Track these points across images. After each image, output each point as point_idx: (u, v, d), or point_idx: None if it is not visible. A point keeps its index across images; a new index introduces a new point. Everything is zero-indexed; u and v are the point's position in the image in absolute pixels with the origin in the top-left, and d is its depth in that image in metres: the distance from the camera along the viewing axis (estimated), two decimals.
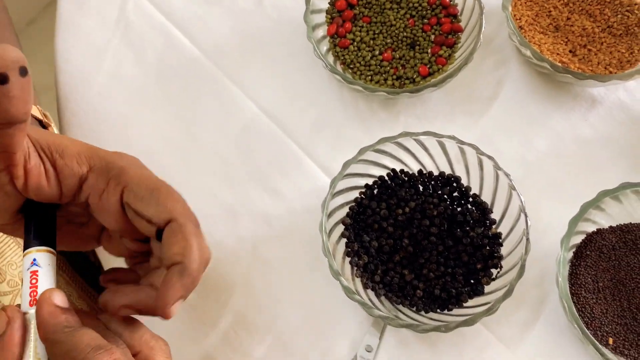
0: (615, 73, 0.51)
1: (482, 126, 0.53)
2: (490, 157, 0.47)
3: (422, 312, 0.46)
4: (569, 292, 0.45)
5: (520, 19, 0.54)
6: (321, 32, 0.54)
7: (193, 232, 0.31)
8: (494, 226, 0.48)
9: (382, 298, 0.46)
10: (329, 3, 0.55)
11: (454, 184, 0.48)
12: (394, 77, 0.53)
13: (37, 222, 0.33)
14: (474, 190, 0.49)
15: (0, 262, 0.47)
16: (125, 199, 0.32)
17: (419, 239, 0.47)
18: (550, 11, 0.55)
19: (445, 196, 0.48)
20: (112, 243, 0.36)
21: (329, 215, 0.46)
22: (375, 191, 0.49)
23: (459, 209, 0.48)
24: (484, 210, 0.48)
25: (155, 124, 0.54)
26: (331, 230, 0.47)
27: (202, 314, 0.48)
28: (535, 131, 0.53)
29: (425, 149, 0.49)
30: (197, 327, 0.48)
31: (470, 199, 0.48)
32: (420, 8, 0.54)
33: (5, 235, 0.47)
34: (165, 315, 0.30)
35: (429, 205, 0.47)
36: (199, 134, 0.53)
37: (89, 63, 0.56)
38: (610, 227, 0.48)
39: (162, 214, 0.31)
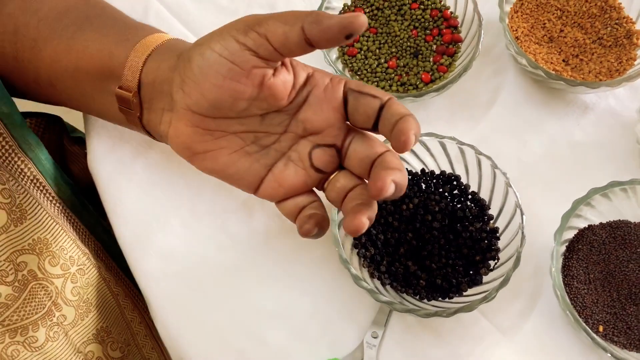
0: (605, 80, 0.55)
1: (480, 129, 0.56)
2: (488, 157, 0.50)
3: (425, 300, 0.49)
4: (562, 283, 0.49)
5: (516, 30, 0.58)
6: None
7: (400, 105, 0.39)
8: (491, 221, 0.51)
9: (388, 287, 0.50)
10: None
11: (454, 182, 0.52)
12: (399, 83, 0.56)
13: None
14: (473, 188, 0.52)
15: (55, 246, 0.50)
16: (349, 87, 0.40)
17: (422, 233, 0.50)
18: (544, 23, 0.59)
19: (446, 193, 0.52)
20: (280, 181, 0.42)
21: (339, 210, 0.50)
22: None
23: (458, 206, 0.51)
24: (482, 206, 0.51)
25: None
26: (340, 223, 0.50)
27: (217, 302, 0.51)
28: (531, 134, 0.56)
29: (428, 149, 0.52)
30: (213, 314, 0.51)
31: (470, 196, 0.52)
32: (423, 20, 0.58)
33: (56, 223, 0.51)
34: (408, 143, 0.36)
35: (431, 202, 0.51)
36: None
37: None
38: (601, 223, 0.51)
39: (380, 92, 0.39)
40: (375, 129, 0.39)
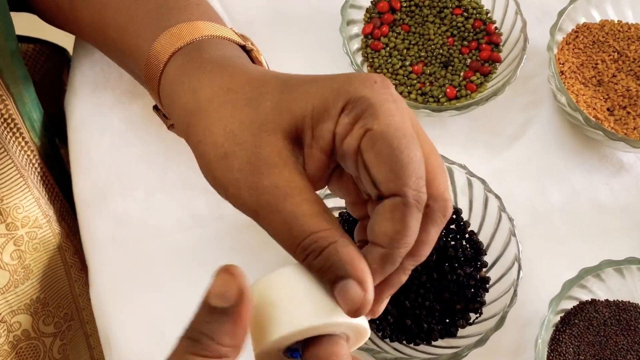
0: None
1: (497, 163, 0.50)
2: (497, 197, 0.44)
3: (387, 340, 0.43)
4: (545, 358, 0.42)
5: (563, 64, 0.51)
6: (356, 29, 0.52)
7: (414, 217, 0.26)
8: (484, 269, 0.45)
9: None
10: (371, 2, 0.53)
11: (454, 216, 0.46)
12: (419, 91, 0.50)
13: None
14: (473, 227, 0.46)
15: (5, 203, 0.45)
16: (362, 145, 0.27)
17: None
18: (597, 64, 0.52)
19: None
20: (342, 182, 0.31)
21: None
22: None
23: (452, 243, 0.45)
24: (478, 249, 0.45)
25: None
26: None
27: (162, 285, 0.46)
28: (552, 182, 0.50)
29: None
30: (154, 298, 0.46)
31: (467, 235, 0.45)
32: (463, 29, 0.52)
33: (20, 176, 0.45)
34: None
35: None
36: None
37: None
38: (607, 300, 0.45)
39: (390, 183, 0.26)
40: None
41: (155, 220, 0.48)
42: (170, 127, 0.41)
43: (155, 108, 0.41)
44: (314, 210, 0.27)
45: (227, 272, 0.25)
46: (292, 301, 0.26)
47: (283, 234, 0.27)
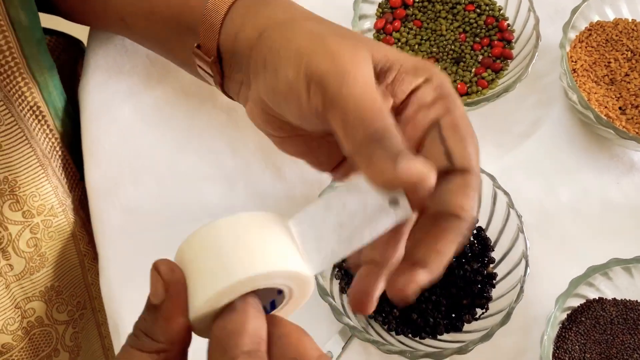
0: None
1: (506, 161, 0.50)
2: (506, 193, 0.44)
3: (393, 333, 0.43)
4: (551, 355, 0.42)
5: (576, 62, 0.51)
6: (368, 23, 0.52)
7: (477, 189, 0.29)
8: (491, 265, 0.45)
9: None
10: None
11: None
12: None
13: None
14: (481, 223, 0.46)
15: (23, 191, 0.45)
16: (440, 120, 0.29)
17: None
18: (609, 62, 0.51)
19: None
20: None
21: None
22: None
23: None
24: (485, 246, 0.45)
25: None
26: None
27: None
28: (562, 181, 0.50)
29: None
30: None
31: (474, 231, 0.45)
32: (475, 25, 0.52)
33: (39, 164, 0.46)
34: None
35: None
36: (216, 89, 0.51)
37: None
38: (614, 299, 0.45)
39: (464, 158, 0.29)
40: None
41: (166, 209, 0.48)
42: (214, 64, 0.39)
43: (202, 67, 0.40)
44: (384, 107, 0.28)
45: (154, 269, 0.25)
46: (219, 257, 0.24)
47: (364, 102, 0.28)
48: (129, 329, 0.44)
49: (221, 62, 0.38)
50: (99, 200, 0.49)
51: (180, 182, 0.49)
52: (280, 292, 0.26)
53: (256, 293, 0.25)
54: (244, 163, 0.49)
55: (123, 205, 0.48)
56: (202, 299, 0.24)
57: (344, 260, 0.43)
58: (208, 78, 0.41)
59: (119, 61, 0.52)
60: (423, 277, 0.27)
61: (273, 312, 0.27)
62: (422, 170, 0.25)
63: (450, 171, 0.28)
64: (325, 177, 0.49)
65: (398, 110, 0.31)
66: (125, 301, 0.46)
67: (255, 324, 0.24)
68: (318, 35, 0.32)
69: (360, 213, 0.24)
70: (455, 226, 0.28)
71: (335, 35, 0.32)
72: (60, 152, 0.49)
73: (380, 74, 0.31)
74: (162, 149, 0.50)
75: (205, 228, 0.25)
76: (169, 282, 0.25)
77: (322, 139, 0.36)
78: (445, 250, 0.28)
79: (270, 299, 0.27)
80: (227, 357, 0.23)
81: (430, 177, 0.25)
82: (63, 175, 0.49)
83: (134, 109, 0.51)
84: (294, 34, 0.32)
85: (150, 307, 0.25)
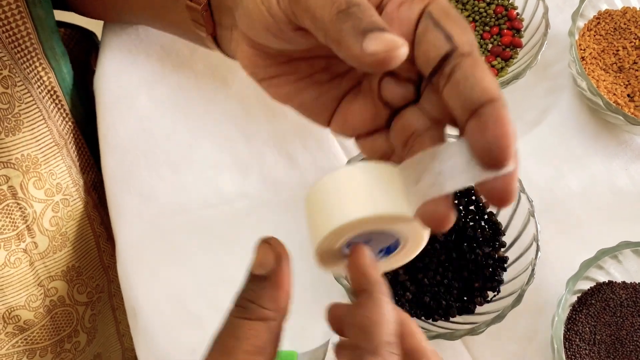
0: None
1: (517, 148, 0.50)
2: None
3: None
4: (562, 336, 0.43)
5: (584, 49, 0.51)
6: None
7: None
8: (502, 249, 0.45)
9: None
10: None
11: (472, 196, 0.46)
12: None
13: None
14: (492, 208, 0.46)
15: (44, 168, 0.46)
16: (429, 8, 0.27)
17: None
18: (618, 50, 0.52)
19: (461, 207, 0.46)
20: (347, 115, 0.32)
21: None
22: None
23: (471, 224, 0.46)
24: (496, 230, 0.45)
25: (195, 54, 0.53)
26: None
27: (185, 259, 0.47)
28: (571, 167, 0.50)
29: None
30: (178, 271, 0.47)
31: (485, 216, 0.46)
32: (485, 14, 0.52)
33: (55, 144, 0.47)
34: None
35: None
36: (230, 78, 0.52)
37: None
38: (624, 282, 0.45)
39: (465, 38, 0.25)
40: (430, 81, 0.27)
41: (181, 196, 0.49)
42: (204, 11, 0.39)
43: (195, 19, 0.40)
44: None
45: (265, 242, 0.28)
46: (347, 195, 0.26)
47: None
48: (147, 312, 0.46)
49: (212, 9, 0.38)
50: (116, 186, 0.50)
51: (194, 169, 0.50)
52: (395, 240, 0.29)
53: (371, 240, 0.28)
54: (258, 151, 0.50)
55: (139, 191, 0.49)
56: (321, 234, 0.27)
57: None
58: (201, 30, 0.40)
59: (133, 51, 0.53)
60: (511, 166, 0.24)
61: (388, 257, 0.30)
62: (392, 40, 0.24)
63: (452, 60, 0.26)
64: (338, 165, 0.50)
65: (378, 10, 0.29)
66: (142, 285, 0.47)
67: (391, 317, 0.26)
68: None
69: (460, 164, 0.25)
70: (498, 106, 0.24)
71: None
72: (74, 134, 0.51)
73: None
74: (177, 137, 0.51)
75: (327, 176, 0.27)
76: (279, 253, 0.27)
77: (311, 80, 0.35)
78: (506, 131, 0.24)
79: (386, 245, 0.29)
80: (371, 343, 0.25)
81: (401, 48, 0.24)
82: (77, 156, 0.51)
83: (149, 98, 0.52)
84: None
85: (256, 278, 0.27)
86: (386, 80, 0.30)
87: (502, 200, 0.24)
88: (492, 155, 0.23)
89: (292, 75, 0.35)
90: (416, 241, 0.29)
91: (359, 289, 0.27)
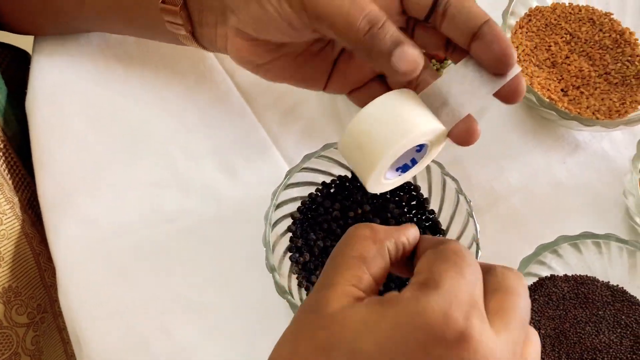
0: (601, 120, 0.49)
1: (455, 147, 0.51)
2: (454, 179, 0.45)
3: None
4: None
5: (517, 47, 0.52)
6: None
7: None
8: None
9: None
10: None
11: (414, 193, 0.47)
12: None
13: None
14: (433, 208, 0.47)
15: None
16: None
17: None
18: (550, 46, 0.53)
19: (403, 203, 0.46)
20: (345, 73, 0.37)
21: (279, 206, 0.45)
22: (332, 190, 0.47)
23: (414, 220, 0.46)
24: (436, 229, 0.46)
25: (129, 66, 0.52)
26: (278, 222, 0.45)
27: (131, 281, 0.46)
28: (510, 163, 0.51)
29: None
30: (123, 294, 0.46)
31: (428, 214, 0.46)
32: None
33: None
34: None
35: (385, 210, 0.46)
36: (166, 94, 0.51)
37: None
38: (565, 275, 0.46)
39: None
40: (427, 22, 0.33)
41: (122, 217, 0.48)
42: (182, 11, 0.40)
43: (171, 21, 0.41)
44: None
45: None
46: (397, 117, 0.30)
47: (346, 7, 0.31)
48: (91, 339, 0.45)
49: (188, 10, 0.39)
50: (54, 212, 0.48)
51: (135, 189, 0.49)
52: (418, 150, 0.34)
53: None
54: (197, 166, 0.50)
55: (79, 216, 0.48)
56: (379, 157, 0.30)
57: (301, 256, 0.44)
58: (178, 29, 0.41)
59: (65, 71, 0.52)
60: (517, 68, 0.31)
61: (418, 163, 0.35)
62: (415, 60, 0.30)
63: (442, 1, 0.32)
64: (281, 176, 0.50)
65: None
66: (86, 312, 0.46)
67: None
68: None
69: (477, 80, 0.32)
70: (492, 25, 0.31)
71: None
72: (4, 152, 0.49)
73: None
74: (115, 156, 0.50)
75: (366, 108, 0.31)
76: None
77: (307, 54, 0.38)
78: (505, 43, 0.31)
79: (411, 156, 0.35)
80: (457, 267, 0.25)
81: (420, 64, 0.31)
82: (8, 174, 0.49)
83: (84, 117, 0.51)
84: None
85: None
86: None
87: (517, 95, 0.32)
88: (502, 63, 0.30)
89: (288, 56, 0.38)
90: (437, 146, 0.34)
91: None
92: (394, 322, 0.24)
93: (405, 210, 0.47)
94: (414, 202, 0.47)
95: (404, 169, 0.35)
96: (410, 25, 0.36)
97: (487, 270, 0.27)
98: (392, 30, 0.31)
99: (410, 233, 0.29)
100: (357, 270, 0.26)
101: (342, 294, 0.26)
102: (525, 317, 0.26)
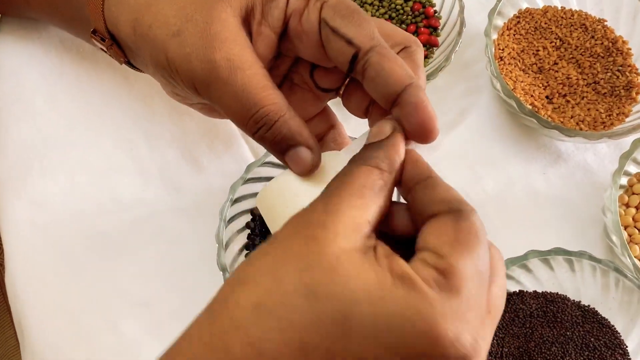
0: (584, 131, 0.47)
1: (432, 150, 0.49)
2: None
3: None
4: None
5: (503, 49, 0.50)
6: None
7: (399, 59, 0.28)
8: None
9: None
10: None
11: None
12: None
13: None
14: None
15: None
16: (323, 15, 0.29)
17: None
18: (538, 50, 0.50)
19: None
20: (293, 99, 0.34)
21: (238, 200, 0.42)
22: None
23: None
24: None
25: (97, 51, 0.50)
26: (235, 217, 0.43)
27: (79, 272, 0.44)
28: (487, 171, 0.49)
29: None
30: (70, 284, 0.44)
31: None
32: (402, 11, 0.50)
33: None
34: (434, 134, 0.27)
35: None
36: (132, 76, 0.49)
37: None
38: (535, 291, 0.44)
39: (364, 36, 0.28)
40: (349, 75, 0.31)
41: (76, 203, 0.46)
42: (110, 47, 0.38)
43: (94, 33, 0.39)
44: (263, 84, 0.29)
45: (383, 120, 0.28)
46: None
47: (235, 106, 0.29)
48: (34, 326, 0.43)
49: (118, 43, 0.37)
50: (6, 191, 0.46)
51: (91, 173, 0.47)
52: None
53: None
54: (160, 154, 0.47)
55: (31, 197, 0.46)
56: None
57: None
58: (112, 55, 0.39)
59: (30, 48, 0.50)
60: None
61: None
62: (308, 163, 0.29)
63: (361, 60, 0.28)
64: (245, 166, 0.47)
65: (287, 32, 0.32)
66: (31, 298, 0.44)
67: None
68: (176, 31, 0.31)
69: None
70: (413, 92, 0.27)
71: (191, 21, 0.31)
72: None
73: (249, 16, 0.31)
74: (74, 138, 0.47)
75: (270, 184, 0.30)
76: (395, 125, 0.27)
77: None
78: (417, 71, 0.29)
79: None
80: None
81: (311, 166, 0.29)
82: None
83: (46, 97, 0.48)
84: (156, 31, 0.32)
85: (371, 145, 0.27)
86: (318, 72, 0.33)
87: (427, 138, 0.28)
88: (422, 136, 0.27)
89: None
90: None
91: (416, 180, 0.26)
92: (401, 310, 0.22)
93: None
94: None
95: None
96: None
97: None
98: (284, 131, 0.29)
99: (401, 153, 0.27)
100: (365, 199, 0.24)
101: (350, 226, 0.23)
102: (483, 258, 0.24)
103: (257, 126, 0.29)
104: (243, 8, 0.31)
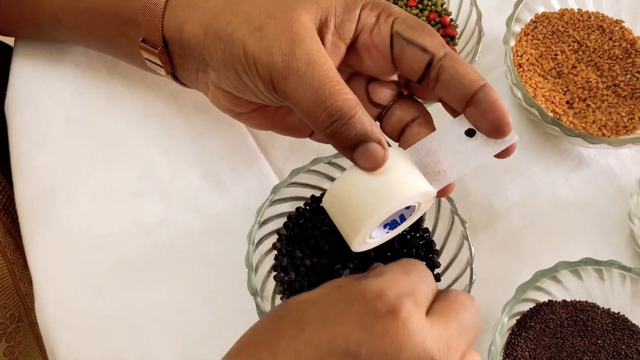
0: (608, 137, 0.46)
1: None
2: (450, 199, 0.42)
3: None
4: None
5: (521, 56, 0.49)
6: None
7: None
8: (436, 269, 0.43)
9: None
10: None
11: None
12: None
13: None
14: (428, 226, 0.44)
15: None
16: (396, 28, 0.32)
17: (357, 264, 0.43)
18: (556, 54, 0.50)
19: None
20: None
21: (265, 222, 0.42)
22: (321, 204, 0.45)
23: (408, 237, 0.44)
24: (429, 248, 0.43)
25: (113, 73, 0.50)
26: (263, 239, 0.43)
27: (108, 295, 0.44)
28: (511, 180, 0.48)
29: None
30: (101, 308, 0.44)
31: (422, 233, 0.44)
32: None
33: None
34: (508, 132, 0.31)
35: None
36: (150, 97, 0.49)
37: None
38: (564, 301, 0.44)
39: (437, 44, 0.31)
40: (420, 83, 0.33)
41: (100, 229, 0.46)
42: (161, 55, 0.39)
43: (150, 60, 0.40)
44: (338, 78, 0.31)
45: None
46: (385, 180, 0.30)
47: (310, 98, 0.30)
48: (66, 355, 0.43)
49: (169, 51, 0.38)
50: (31, 220, 0.46)
51: (115, 198, 0.47)
52: (407, 207, 0.33)
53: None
54: (181, 175, 0.47)
55: (56, 225, 0.46)
56: (363, 221, 0.30)
57: (286, 275, 0.42)
58: (157, 68, 0.40)
59: (47, 73, 0.50)
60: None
61: (407, 219, 0.34)
62: (377, 158, 0.30)
63: (435, 66, 0.31)
64: (270, 188, 0.47)
65: (354, 45, 0.34)
66: (61, 325, 0.44)
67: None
68: (258, 26, 0.32)
69: (471, 143, 0.31)
70: (487, 91, 0.31)
71: (273, 18, 0.32)
72: None
73: (322, 26, 0.33)
74: (95, 165, 0.47)
75: (350, 169, 0.31)
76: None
77: (289, 109, 0.38)
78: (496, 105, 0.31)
79: (400, 213, 0.34)
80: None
81: (382, 159, 0.30)
82: None
83: (64, 122, 0.48)
84: (236, 25, 0.33)
85: None
86: (373, 86, 0.35)
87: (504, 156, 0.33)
88: (498, 132, 0.30)
89: (270, 108, 0.38)
90: (427, 204, 0.33)
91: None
92: (339, 296, 0.28)
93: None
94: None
95: (392, 225, 0.34)
96: (403, 80, 0.36)
97: (443, 291, 0.30)
98: (358, 127, 0.30)
99: None
100: None
101: None
102: (468, 327, 0.29)
103: (331, 120, 0.30)
104: (318, 17, 0.33)
